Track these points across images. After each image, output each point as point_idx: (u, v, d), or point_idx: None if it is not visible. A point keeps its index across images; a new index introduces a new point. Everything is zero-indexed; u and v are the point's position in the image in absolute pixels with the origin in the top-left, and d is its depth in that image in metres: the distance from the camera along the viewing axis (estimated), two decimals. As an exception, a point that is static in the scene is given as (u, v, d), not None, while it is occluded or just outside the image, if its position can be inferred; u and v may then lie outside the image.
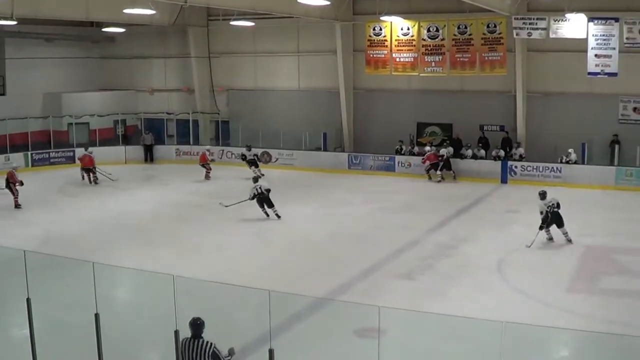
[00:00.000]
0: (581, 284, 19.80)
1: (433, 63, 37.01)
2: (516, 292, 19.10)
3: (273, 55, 43.77)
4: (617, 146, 34.12)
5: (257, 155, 37.62)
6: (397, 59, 37.75)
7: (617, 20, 32.08)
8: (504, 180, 34.97)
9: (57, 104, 44.22)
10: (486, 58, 35.71)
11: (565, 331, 14.38)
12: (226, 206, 28.60)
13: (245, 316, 15.87)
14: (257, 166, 36.62)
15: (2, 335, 15.62)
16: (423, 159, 36.11)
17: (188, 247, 23.69)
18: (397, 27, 37.50)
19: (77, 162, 36.76)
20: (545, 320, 15.69)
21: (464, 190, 33.35)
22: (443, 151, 35.88)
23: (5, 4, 29.39)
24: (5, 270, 15.57)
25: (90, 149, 36.97)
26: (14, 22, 33.13)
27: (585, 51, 32.79)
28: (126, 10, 33.17)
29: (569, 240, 23.41)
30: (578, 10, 32.24)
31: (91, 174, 35.34)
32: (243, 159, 37.30)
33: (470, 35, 35.92)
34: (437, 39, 36.73)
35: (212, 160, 37.70)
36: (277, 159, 39.34)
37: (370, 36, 38.32)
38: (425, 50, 37.02)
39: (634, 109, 34.63)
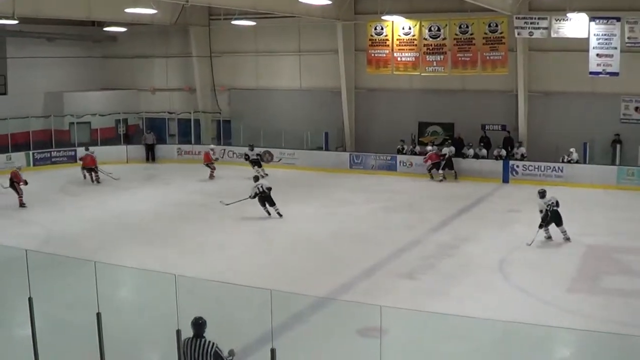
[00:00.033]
0: (583, 283, 19.79)
1: (434, 62, 36.99)
2: (518, 291, 19.10)
3: (274, 55, 43.79)
4: (618, 146, 34.13)
5: (260, 155, 37.57)
6: (399, 59, 37.74)
7: (618, 19, 32.06)
8: (505, 180, 34.95)
9: (59, 104, 44.26)
10: (488, 57, 35.67)
11: (567, 331, 14.35)
12: (227, 204, 28.63)
13: (247, 316, 15.84)
14: (260, 166, 36.59)
15: (4, 334, 15.62)
16: (425, 158, 36.10)
17: (189, 247, 23.70)
18: (398, 27, 37.49)
19: (79, 162, 36.75)
20: (547, 320, 15.68)
21: (466, 189, 33.35)
22: (445, 150, 35.88)
23: (7, 3, 29.37)
24: (7, 269, 15.58)
25: (90, 148, 37.02)
26: (16, 22, 33.14)
27: (587, 51, 32.78)
28: (128, 10, 33.19)
29: (567, 239, 23.47)
30: (579, 10, 32.22)
31: (93, 174, 35.39)
32: (246, 159, 37.27)
33: (471, 34, 35.89)
34: (438, 39, 36.71)
35: (216, 159, 37.71)
36: (280, 159, 39.26)
37: (371, 36, 38.30)
38: (427, 49, 37.00)
39: (636, 109, 34.62)
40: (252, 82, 44.68)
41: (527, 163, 35.02)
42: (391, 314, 11.47)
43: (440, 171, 35.54)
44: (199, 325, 11.16)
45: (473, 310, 16.10)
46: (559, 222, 23.34)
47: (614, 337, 13.66)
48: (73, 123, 42.54)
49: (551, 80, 36.10)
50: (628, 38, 32.04)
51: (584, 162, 34.09)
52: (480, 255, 22.33)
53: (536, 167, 34.58)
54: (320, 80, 42.41)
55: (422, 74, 37.53)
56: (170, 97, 47.22)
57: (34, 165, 38.47)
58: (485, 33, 35.55)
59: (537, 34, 33.32)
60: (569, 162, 33.86)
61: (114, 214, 28.84)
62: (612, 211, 28.56)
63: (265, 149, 38.86)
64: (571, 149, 33.81)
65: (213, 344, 11.07)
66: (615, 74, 32.58)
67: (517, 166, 34.99)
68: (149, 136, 43.00)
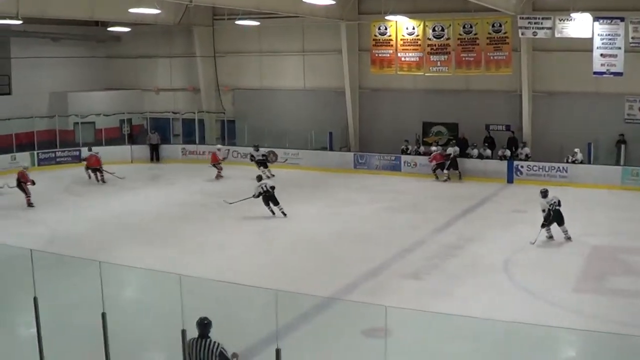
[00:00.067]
0: (587, 283, 19.78)
1: (438, 62, 36.97)
2: (522, 291, 19.09)
3: (278, 55, 43.80)
4: (623, 146, 34.09)
5: (265, 156, 37.51)
6: (403, 59, 37.72)
7: (622, 19, 32.03)
8: (510, 180, 34.94)
9: (63, 104, 44.29)
10: (492, 57, 35.65)
11: (572, 331, 14.36)
12: (230, 203, 28.69)
13: (251, 316, 15.86)
14: (266, 166, 36.57)
15: (9, 334, 15.65)
16: (429, 158, 36.09)
17: (192, 246, 23.72)
18: (402, 27, 37.45)
19: (83, 162, 36.80)
20: (552, 320, 15.68)
21: (470, 190, 33.33)
22: (450, 150, 35.86)
23: (11, 3, 29.39)
24: (12, 269, 15.58)
25: (94, 148, 37.05)
26: (20, 22, 33.12)
27: (591, 51, 32.75)
28: (131, 10, 33.21)
29: (569, 238, 23.53)
30: (583, 10, 32.20)
31: (98, 174, 35.44)
32: (251, 160, 37.16)
33: (475, 34, 35.86)
34: (442, 39, 36.68)
35: (224, 159, 37.71)
36: (286, 160, 39.18)
37: (375, 36, 38.28)
38: (431, 49, 36.96)
39: (640, 109, 34.66)
40: (256, 82, 44.70)
41: (531, 163, 35.00)
42: (396, 314, 11.45)
43: (445, 171, 35.53)
44: (204, 325, 11.15)
45: (478, 311, 16.11)
46: (560, 222, 23.40)
47: (619, 338, 13.66)
48: (77, 123, 42.63)
49: (555, 81, 36.08)
50: (632, 38, 32.01)
51: (589, 163, 34.06)
52: (485, 256, 22.31)
53: (540, 167, 34.56)
54: (324, 80, 42.41)
55: (426, 74, 37.50)
56: (174, 97, 47.25)
57: (38, 165, 38.45)
58: (489, 33, 35.52)
59: (541, 34, 33.29)
60: (573, 162, 33.84)
61: (118, 214, 28.85)
62: (617, 211, 28.53)
63: (269, 149, 38.81)
64: (575, 149, 33.80)
65: (218, 344, 11.06)
66: (619, 74, 32.54)
67: (522, 166, 34.97)
68: (153, 136, 43.03)
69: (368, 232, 25.77)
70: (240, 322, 15.62)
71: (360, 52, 40.65)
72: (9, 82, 43.25)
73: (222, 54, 45.54)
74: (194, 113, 44.29)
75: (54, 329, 13.68)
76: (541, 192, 23.84)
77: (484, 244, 23.80)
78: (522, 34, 33.77)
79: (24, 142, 39.50)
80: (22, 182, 30.11)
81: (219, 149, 38.19)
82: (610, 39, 32.35)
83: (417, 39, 37.19)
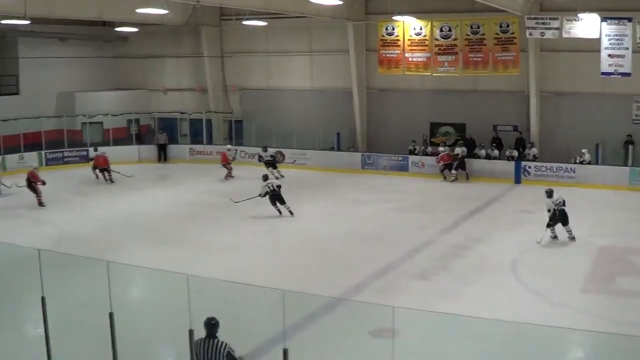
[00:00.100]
0: (595, 284, 19.74)
1: (446, 63, 36.94)
2: (530, 292, 19.06)
3: (286, 55, 43.82)
4: (631, 147, 34.03)
5: (274, 156, 37.45)
6: (410, 59, 37.71)
7: (630, 20, 31.95)
8: (517, 181, 34.87)
9: (71, 104, 44.39)
10: (499, 58, 35.62)
11: (579, 332, 14.35)
12: (236, 202, 28.74)
13: (259, 316, 15.87)
14: (275, 167, 36.52)
15: (17, 333, 15.68)
16: (437, 159, 36.06)
17: (200, 246, 23.73)
18: (409, 27, 37.44)
19: (89, 162, 36.88)
20: (559, 321, 15.65)
21: (478, 190, 33.28)
22: (458, 150, 35.83)
23: (19, 3, 29.45)
24: (20, 269, 15.60)
25: (100, 148, 37.14)
26: (27, 22, 33.19)
27: (599, 51, 32.67)
28: (139, 10, 33.22)
29: (572, 238, 23.57)
30: (591, 10, 32.11)
31: (106, 173, 35.50)
32: (260, 160, 37.11)
33: (483, 35, 35.84)
34: (449, 39, 36.66)
35: (233, 159, 37.68)
36: (294, 160, 39.15)
37: (382, 36, 38.27)
38: (438, 50, 36.95)
39: (648, 109, 34.60)
40: (264, 82, 44.72)
41: (539, 164, 34.93)
42: (403, 314, 11.45)
43: (453, 171, 35.49)
44: (211, 325, 11.17)
45: (485, 311, 16.09)
46: (565, 222, 23.43)
47: (627, 339, 13.62)
48: (85, 123, 42.69)
49: (563, 81, 36.04)
50: (639, 38, 32.02)
51: (596, 163, 34.01)
52: (493, 256, 22.29)
53: (548, 167, 34.50)
54: (332, 80, 42.42)
55: (434, 75, 37.49)
56: (181, 97, 47.31)
57: (46, 165, 38.48)
58: (497, 33, 35.49)
59: (549, 34, 33.23)
60: (581, 163, 33.76)
61: (126, 214, 28.89)
62: (625, 212, 28.47)
63: (277, 149, 38.76)
64: (583, 150, 33.75)
65: (226, 344, 11.08)
66: (627, 74, 32.47)
67: (529, 167, 34.92)
68: (161, 136, 43.08)
69: (376, 232, 25.74)
70: (247, 322, 15.63)
71: (368, 53, 40.64)
72: (16, 82, 43.36)
73: (229, 54, 45.59)
74: (202, 113, 44.35)
75: (61, 329, 13.71)
76: (546, 192, 23.83)
77: (492, 245, 23.78)
78: (529, 34, 33.72)
79: (32, 142, 39.54)
80: (33, 182, 30.26)
81: (228, 149, 38.15)
82: (617, 40, 32.28)
83: (425, 39, 37.18)
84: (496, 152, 36.41)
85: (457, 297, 18.53)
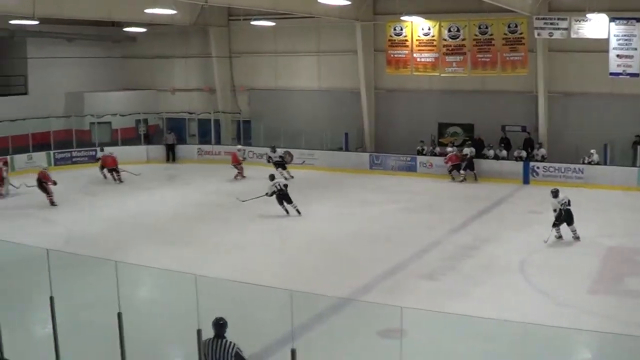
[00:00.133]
0: (603, 285, 19.71)
1: (454, 63, 36.90)
2: (538, 292, 19.04)
3: (294, 55, 43.82)
4: (639, 147, 33.93)
5: (282, 157, 37.41)
6: (418, 59, 37.67)
7: (638, 20, 31.86)
8: (526, 181, 34.83)
9: (80, 104, 44.47)
10: (507, 58, 35.58)
11: (587, 332, 14.34)
12: (243, 201, 28.82)
13: (267, 316, 15.88)
14: (284, 168, 36.46)
15: (25, 333, 15.69)
16: (445, 159, 36.04)
17: (208, 246, 23.78)
18: (417, 27, 37.41)
19: (97, 161, 36.98)
20: (567, 321, 15.66)
21: (486, 190, 33.24)
22: (466, 150, 35.82)
23: (27, 3, 29.54)
24: (29, 268, 15.62)
25: (107, 149, 37.25)
26: (36, 22, 33.27)
27: (607, 51, 32.60)
28: (147, 10, 33.28)
29: (577, 238, 23.63)
30: (599, 10, 32.00)
31: (115, 173, 35.58)
32: (269, 161, 36.98)
33: (491, 35, 35.80)
34: (458, 39, 36.63)
35: (244, 159, 37.64)
36: (303, 161, 39.05)
37: (391, 36, 38.25)
38: (446, 50, 36.91)
39: (657, 110, 34.50)
40: (272, 83, 44.74)
41: (547, 164, 34.88)
42: (411, 315, 11.45)
43: (462, 172, 35.47)
44: (219, 325, 11.18)
45: (493, 311, 16.08)
46: (570, 221, 23.49)
47: (634, 340, 13.59)
48: (94, 123, 42.76)
49: (571, 81, 35.97)
50: (648, 39, 31.95)
51: (605, 164, 33.94)
52: (501, 256, 22.28)
53: (556, 168, 34.44)
54: (340, 80, 42.42)
55: (442, 75, 37.45)
56: (190, 97, 47.33)
57: (54, 165, 38.51)
58: (505, 34, 35.46)
59: (557, 34, 33.15)
60: (589, 163, 33.70)
61: (134, 214, 28.96)
62: (633, 213, 28.40)
63: (285, 150, 38.73)
64: (592, 151, 33.68)
65: (234, 344, 11.09)
66: (636, 74, 32.37)
67: (538, 167, 34.87)
68: (169, 136, 43.14)
69: (384, 232, 25.74)
70: (255, 322, 15.65)
71: (376, 53, 40.62)
72: (25, 82, 43.46)
73: (237, 55, 45.62)
74: (210, 113, 44.39)
75: (69, 328, 13.73)
76: (552, 192, 23.94)
77: (500, 245, 23.77)
78: (538, 34, 33.65)
79: (40, 142, 39.62)
80: (44, 183, 30.35)
81: (239, 150, 38.08)
82: (626, 40, 32.21)
83: (433, 40, 37.15)
84: (504, 152, 36.37)
85: (465, 298, 18.52)
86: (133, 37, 47.04)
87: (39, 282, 12.38)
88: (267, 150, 37.81)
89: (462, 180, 35.35)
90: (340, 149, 40.79)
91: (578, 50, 34.82)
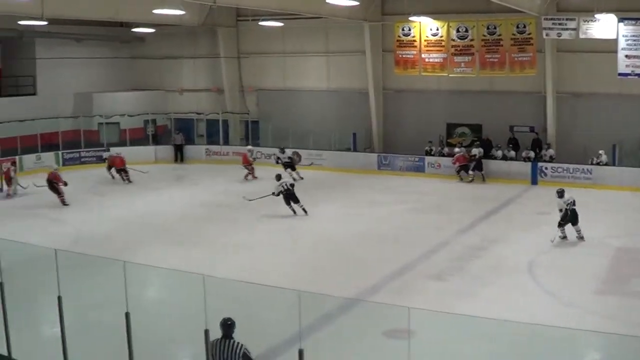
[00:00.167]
0: (612, 286, 19.68)
1: (462, 63, 36.88)
2: (546, 293, 19.03)
3: (302, 56, 43.81)
4: (648, 148, 33.94)
5: (291, 158, 37.37)
6: (427, 60, 37.67)
7: (647, 20, 31.91)
8: (534, 182, 34.79)
9: (88, 104, 44.54)
10: (516, 59, 35.55)
11: (594, 333, 14.32)
12: (249, 200, 28.86)
13: (274, 316, 15.89)
14: (293, 169, 36.44)
15: (33, 332, 15.71)
16: (453, 160, 36.02)
17: (216, 247, 23.81)
18: (426, 28, 37.41)
19: (104, 162, 37.09)
20: (574, 322, 15.64)
21: (494, 191, 33.21)
22: (475, 151, 35.84)
23: (36, 4, 29.59)
24: (37, 268, 15.65)
25: (113, 149, 37.40)
26: (44, 23, 33.32)
27: (616, 52, 32.57)
28: (155, 11, 33.28)
29: (581, 238, 23.67)
30: (608, 11, 31.94)
31: (123, 173, 35.67)
32: (277, 162, 36.93)
33: (499, 35, 35.78)
34: (466, 40, 36.61)
35: (254, 159, 37.59)
36: (311, 163, 39.08)
37: (399, 36, 38.24)
38: (455, 50, 36.90)
39: (665, 110, 34.42)
40: (280, 83, 44.74)
41: (555, 165, 34.84)
42: (419, 315, 11.44)
43: (471, 172, 35.45)
44: (227, 326, 11.18)
45: (501, 312, 16.07)
46: (575, 221, 23.58)
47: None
48: (102, 123, 42.84)
49: (580, 82, 35.90)
50: (657, 39, 31.88)
51: (613, 164, 33.91)
52: (509, 257, 22.26)
53: (565, 168, 34.39)
54: (348, 81, 42.40)
55: (450, 75, 37.43)
56: (198, 97, 47.33)
57: (63, 165, 38.51)
58: (513, 34, 35.43)
59: (566, 34, 33.09)
60: (597, 164, 33.65)
61: (142, 214, 29.02)
62: (642, 214, 28.42)
63: (293, 150, 38.72)
64: (600, 151, 33.63)
65: (242, 345, 11.08)
66: (644, 75, 32.41)
67: (546, 168, 34.83)
68: (177, 137, 43.20)
69: (392, 233, 25.74)
70: (263, 322, 15.65)
71: (384, 53, 40.59)
72: (34, 82, 43.55)
73: (245, 55, 45.63)
74: (218, 114, 44.41)
75: (77, 329, 13.75)
76: (557, 192, 24.03)
77: (508, 245, 23.75)
78: (546, 34, 33.60)
79: (49, 143, 39.71)
80: (55, 183, 30.43)
81: (249, 150, 38.06)
82: (635, 40, 32.17)
83: (441, 40, 37.14)
84: (512, 153, 36.35)
85: (473, 298, 18.51)
86: (141, 37, 47.10)
87: (47, 282, 12.39)
88: (276, 150, 37.79)
89: (470, 181, 35.32)
90: (348, 150, 40.81)
91: (586, 51, 34.75)
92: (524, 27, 35.00)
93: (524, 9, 31.91)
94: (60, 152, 39.64)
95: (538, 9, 33.10)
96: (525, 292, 18.96)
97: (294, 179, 33.53)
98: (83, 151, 40.71)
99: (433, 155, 37.86)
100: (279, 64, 44.64)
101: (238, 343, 11.08)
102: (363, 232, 25.86)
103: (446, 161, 36.91)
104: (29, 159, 37.64)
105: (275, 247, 24.03)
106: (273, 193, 27.94)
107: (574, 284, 19.45)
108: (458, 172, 35.78)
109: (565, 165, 34.50)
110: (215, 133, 43.96)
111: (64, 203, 30.36)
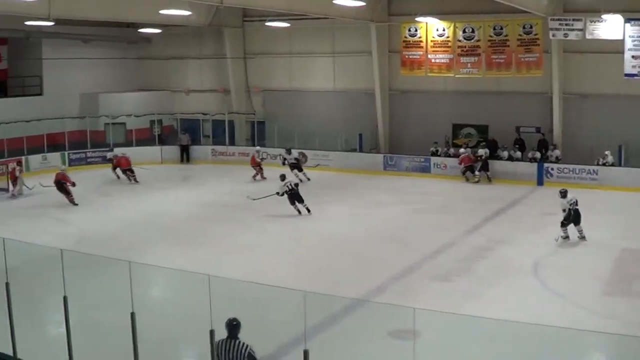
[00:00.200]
0: (617, 287, 19.66)
1: (469, 64, 36.84)
2: (552, 294, 19.00)
3: (308, 56, 43.79)
4: (654, 148, 33.88)
5: (298, 159, 37.33)
6: (433, 60, 37.62)
7: (654, 21, 31.85)
8: (540, 182, 34.74)
9: (94, 104, 44.59)
10: (522, 59, 35.49)
11: (600, 334, 14.29)
12: (253, 199, 28.90)
13: (279, 317, 15.87)
14: (300, 169, 36.43)
15: (39, 332, 15.74)
16: (458, 160, 36.00)
17: (221, 247, 23.85)
18: (432, 28, 37.36)
19: (109, 162, 37.16)
20: (580, 323, 15.61)
21: (500, 192, 33.19)
22: (481, 151, 35.79)
23: (43, 5, 29.63)
24: (43, 268, 15.70)
25: (117, 150, 37.47)
26: (51, 23, 33.38)
27: (622, 52, 32.47)
28: (162, 11, 33.39)
29: (583, 238, 23.74)
30: (614, 11, 31.85)
31: (129, 173, 35.75)
32: (284, 163, 36.85)
33: (506, 36, 35.73)
34: (472, 40, 36.56)
35: (262, 159, 37.56)
36: (317, 164, 39.13)
37: (405, 37, 38.20)
38: (461, 51, 36.86)
39: (671, 111, 34.35)
40: (286, 84, 44.73)
41: (561, 165, 34.79)
42: (425, 316, 11.44)
43: (477, 173, 35.43)
44: (233, 326, 11.17)
45: (507, 313, 16.06)
46: (577, 221, 23.65)
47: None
48: (108, 124, 42.88)
49: (586, 82, 35.82)
50: (663, 40, 31.82)
51: (619, 165, 33.85)
52: (515, 258, 22.25)
53: (571, 169, 34.35)
54: (354, 81, 42.37)
55: (456, 76, 37.40)
56: (204, 98, 47.31)
57: (69, 165, 38.57)
58: (520, 35, 35.38)
59: (572, 35, 32.99)
60: (604, 164, 33.60)
61: (148, 214, 29.08)
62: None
63: (299, 151, 38.70)
64: (606, 152, 33.57)
65: (247, 345, 11.08)
66: (651, 76, 32.35)
67: (552, 169, 34.78)
68: (183, 137, 43.25)
69: (398, 233, 25.74)
70: (268, 323, 15.63)
71: (390, 54, 40.54)
72: (40, 83, 43.60)
73: (252, 56, 45.63)
74: (224, 114, 44.40)
75: (83, 328, 13.78)
76: (560, 192, 24.15)
77: (514, 246, 23.74)
78: (552, 35, 33.52)
79: (55, 143, 39.77)
80: (63, 184, 30.49)
81: (257, 151, 38.08)
82: (642, 41, 32.16)
83: (448, 41, 37.10)
84: (519, 153, 36.32)
85: (479, 299, 18.50)
86: (148, 38, 47.13)
87: (53, 282, 12.42)
88: (282, 151, 37.79)
89: (476, 182, 35.29)
90: (354, 150, 40.81)
91: (593, 51, 34.67)
92: (531, 27, 34.96)
93: (530, 9, 31.85)
94: (66, 153, 39.72)
95: (544, 10, 33.04)
96: (530, 292, 18.96)
97: (301, 180, 33.50)
98: (89, 151, 40.79)
99: (439, 155, 37.83)
100: (286, 64, 44.64)
101: (243, 343, 11.07)
102: (369, 232, 25.88)
103: (452, 162, 36.88)
104: (35, 159, 37.74)
105: (281, 247, 24.04)
106: (277, 193, 27.97)
107: (580, 285, 19.45)
108: (464, 172, 35.77)
109: (571, 166, 34.46)
110: (221, 133, 43.96)
111: (73, 203, 30.47)
